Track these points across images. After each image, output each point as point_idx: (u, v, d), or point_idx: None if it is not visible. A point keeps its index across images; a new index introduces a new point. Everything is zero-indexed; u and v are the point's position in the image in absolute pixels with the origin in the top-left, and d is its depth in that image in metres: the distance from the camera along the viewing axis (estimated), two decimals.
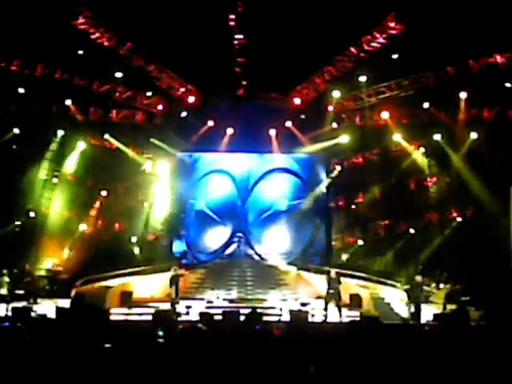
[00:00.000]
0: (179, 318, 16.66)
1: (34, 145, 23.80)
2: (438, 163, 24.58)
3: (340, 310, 17.37)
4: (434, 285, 21.81)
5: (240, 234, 25.96)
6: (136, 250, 24.94)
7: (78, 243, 24.49)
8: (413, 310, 18.52)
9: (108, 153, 25.01)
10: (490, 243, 21.46)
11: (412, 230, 24.60)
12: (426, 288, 21.23)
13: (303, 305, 19.32)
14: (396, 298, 20.03)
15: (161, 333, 5.34)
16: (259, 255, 25.95)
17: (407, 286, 19.36)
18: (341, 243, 25.92)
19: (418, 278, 19.07)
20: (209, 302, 20.14)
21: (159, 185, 26.15)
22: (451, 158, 24.15)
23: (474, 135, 23.36)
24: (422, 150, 24.51)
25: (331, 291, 17.62)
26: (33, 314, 14.46)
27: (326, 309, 17.42)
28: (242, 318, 7.67)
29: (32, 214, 24.09)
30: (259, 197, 26.57)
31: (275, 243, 26.20)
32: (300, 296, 21.73)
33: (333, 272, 18.26)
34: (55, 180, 24.91)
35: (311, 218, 26.28)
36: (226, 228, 26.34)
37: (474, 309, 15.97)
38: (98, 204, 25.11)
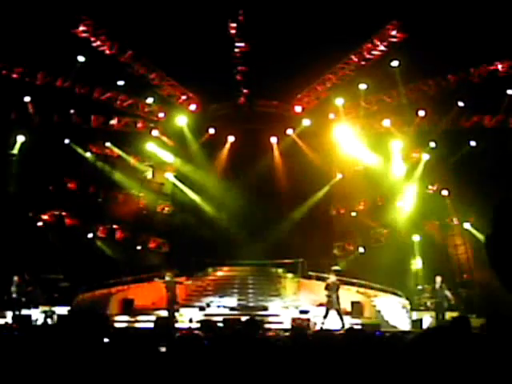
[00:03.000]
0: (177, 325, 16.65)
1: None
2: (436, 171, 24.50)
3: (342, 318, 17.10)
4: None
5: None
6: (138, 258, 24.89)
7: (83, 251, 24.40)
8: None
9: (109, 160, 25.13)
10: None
11: (413, 238, 24.48)
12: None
13: (303, 312, 19.20)
14: (395, 306, 19.92)
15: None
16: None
17: (430, 294, 18.61)
18: (341, 251, 25.85)
19: (438, 279, 18.36)
20: (201, 309, 20.01)
21: (162, 192, 26.22)
22: (447, 166, 24.04)
23: (472, 143, 23.28)
24: (424, 157, 24.41)
25: (330, 298, 17.25)
26: (34, 321, 14.47)
27: (325, 316, 17.11)
28: (241, 325, 7.65)
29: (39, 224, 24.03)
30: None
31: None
32: (301, 303, 21.61)
33: (332, 278, 17.88)
34: None
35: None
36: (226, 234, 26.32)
37: (476, 316, 15.91)
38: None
